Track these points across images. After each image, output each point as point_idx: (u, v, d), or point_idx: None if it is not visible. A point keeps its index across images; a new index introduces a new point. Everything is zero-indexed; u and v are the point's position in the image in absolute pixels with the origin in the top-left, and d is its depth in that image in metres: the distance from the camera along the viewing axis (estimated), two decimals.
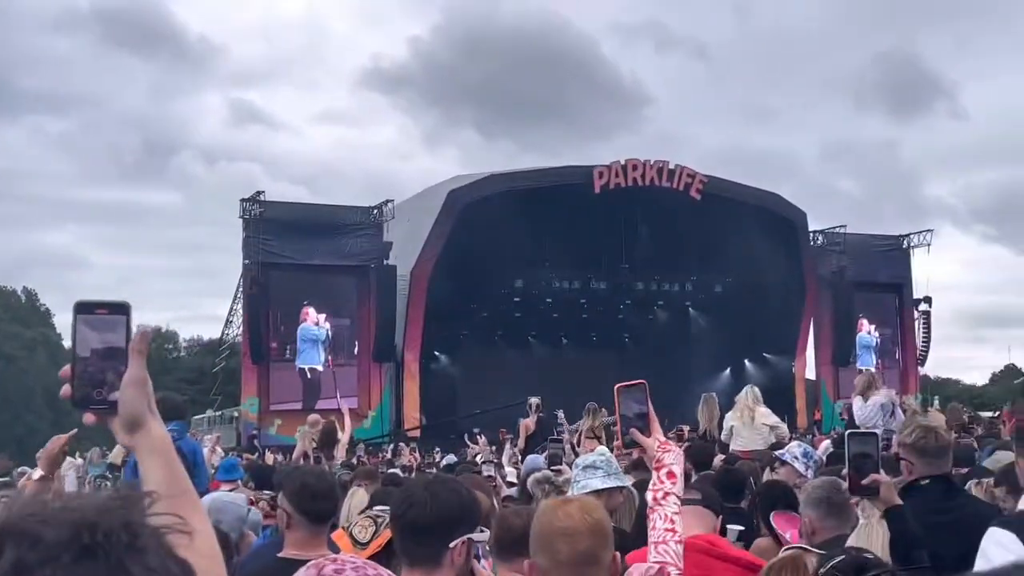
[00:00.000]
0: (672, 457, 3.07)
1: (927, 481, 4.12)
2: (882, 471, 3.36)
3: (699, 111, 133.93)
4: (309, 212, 34.78)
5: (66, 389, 1.68)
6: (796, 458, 5.76)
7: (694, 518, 4.20)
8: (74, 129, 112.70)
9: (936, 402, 25.23)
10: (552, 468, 6.90)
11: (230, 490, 8.59)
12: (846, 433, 3.48)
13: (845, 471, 3.43)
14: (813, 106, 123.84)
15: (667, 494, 2.99)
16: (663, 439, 3.16)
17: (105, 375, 1.66)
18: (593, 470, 4.71)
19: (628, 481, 4.88)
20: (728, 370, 39.82)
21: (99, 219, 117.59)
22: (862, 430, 3.78)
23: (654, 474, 3.05)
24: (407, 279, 33.68)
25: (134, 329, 1.68)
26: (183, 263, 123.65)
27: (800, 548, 2.89)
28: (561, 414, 15.85)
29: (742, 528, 4.86)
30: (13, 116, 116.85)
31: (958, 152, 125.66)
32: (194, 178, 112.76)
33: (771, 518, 4.68)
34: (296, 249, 32.82)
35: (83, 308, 1.69)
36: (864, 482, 3.28)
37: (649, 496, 3.03)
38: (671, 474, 3.01)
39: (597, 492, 4.66)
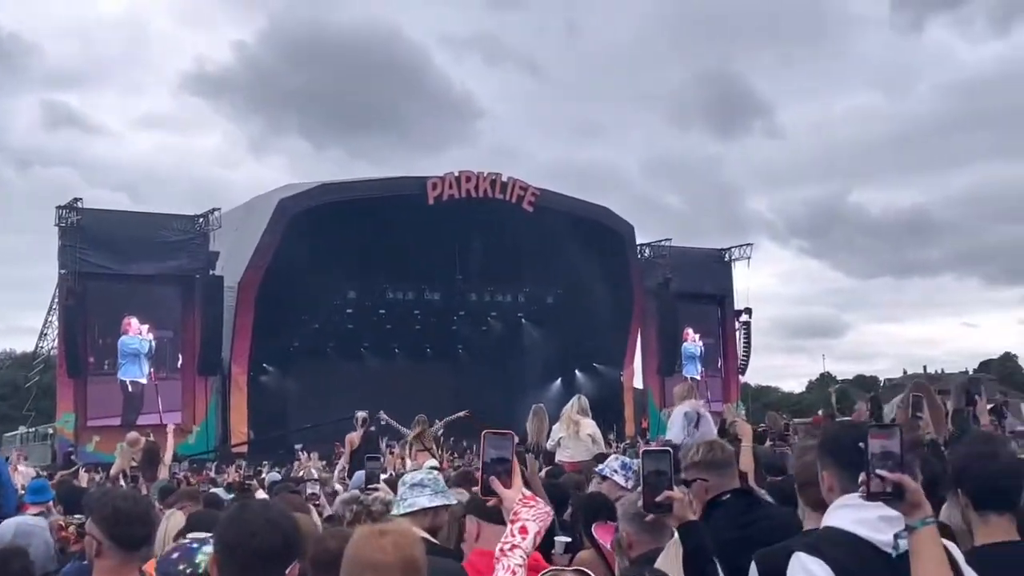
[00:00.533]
0: (530, 513, 2.99)
1: (728, 496, 4.23)
2: (676, 488, 3.40)
3: (530, 125, 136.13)
4: (130, 220, 33.46)
5: None
6: (615, 471, 5.83)
7: None
8: None
9: (742, 411, 26.12)
10: (368, 487, 6.74)
11: (38, 513, 8.12)
12: (641, 452, 3.51)
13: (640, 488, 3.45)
14: (640, 122, 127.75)
15: (514, 547, 2.94)
16: (528, 492, 3.09)
17: None
18: (421, 488, 4.63)
19: (455, 499, 4.82)
20: (559, 380, 40.45)
21: None
22: (655, 448, 3.82)
23: (508, 526, 2.99)
24: (234, 290, 32.83)
25: None
26: None
27: (556, 569, 2.89)
28: (383, 413, 15.63)
29: (569, 540, 4.89)
30: None
31: (775, 169, 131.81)
32: (4, 183, 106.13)
33: (593, 529, 4.71)
34: (116, 259, 31.48)
35: None
36: (658, 499, 3.30)
37: (497, 548, 2.99)
38: (524, 529, 2.95)
39: (424, 510, 4.59)
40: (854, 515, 2.78)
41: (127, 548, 3.77)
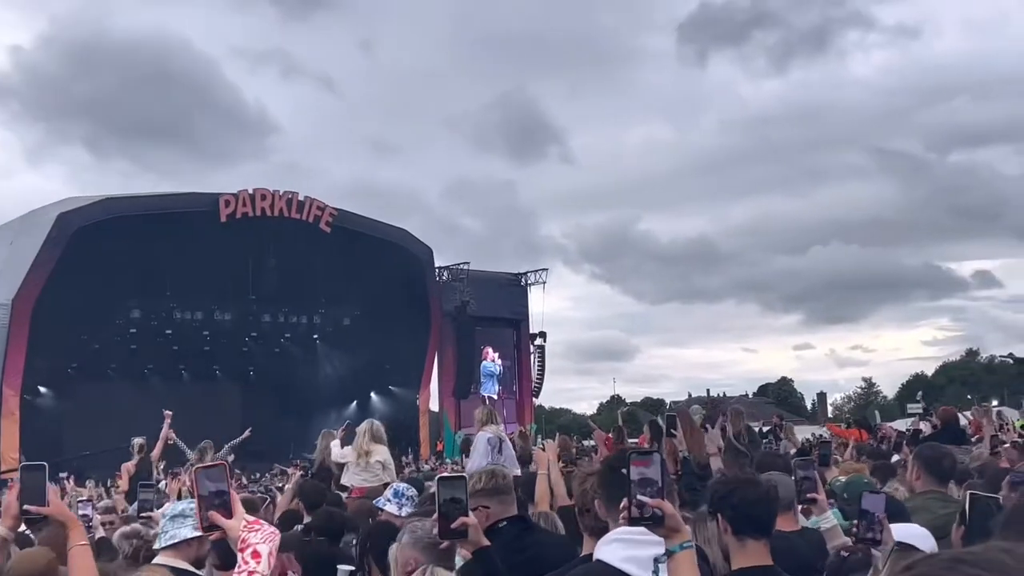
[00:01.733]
0: (258, 536, 2.93)
1: (504, 523, 4.28)
2: (471, 513, 3.41)
3: (326, 143, 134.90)
4: None
5: None
6: (388, 500, 5.78)
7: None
8: None
9: (539, 436, 26.53)
10: (141, 516, 6.46)
11: None
12: (436, 479, 3.51)
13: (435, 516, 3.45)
14: (436, 144, 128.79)
15: (251, 573, 2.86)
16: (250, 518, 3.01)
17: None
18: (182, 519, 4.46)
19: None
20: (355, 403, 40.01)
21: None
22: (451, 475, 3.82)
23: (239, 555, 2.91)
24: (7, 308, 30.89)
25: None
26: None
27: None
28: (172, 433, 14.84)
29: (352, 568, 4.80)
30: None
31: (568, 195, 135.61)
32: None
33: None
34: None
35: None
36: (453, 526, 3.31)
37: None
38: (256, 554, 2.89)
39: (187, 541, 4.41)
40: (626, 552, 2.82)
41: None
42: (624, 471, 2.73)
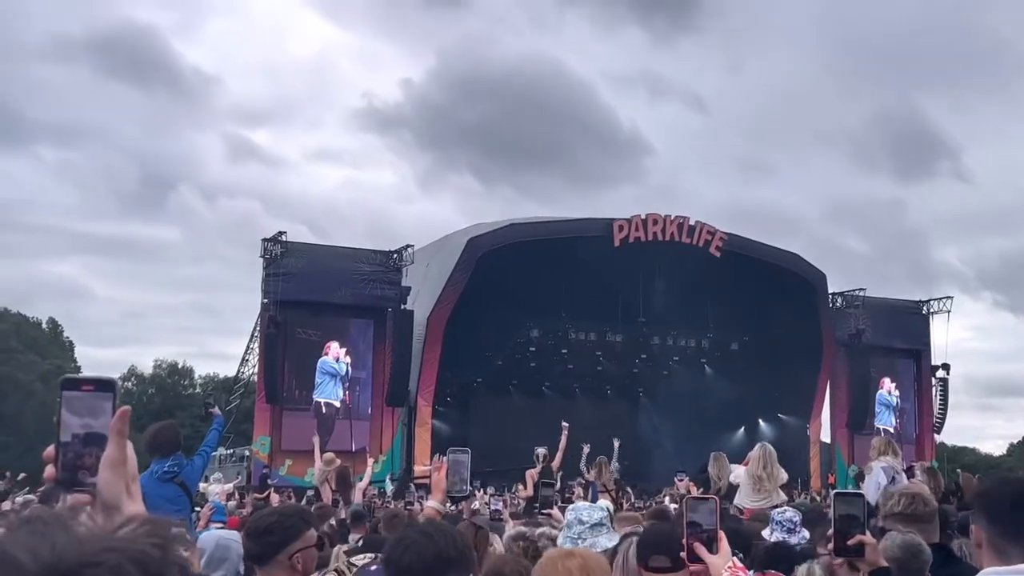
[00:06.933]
0: None
1: None
2: (868, 532, 3.35)
3: (698, 164, 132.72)
4: (329, 254, 34.91)
5: (50, 470, 1.60)
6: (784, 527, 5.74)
7: None
8: (70, 160, 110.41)
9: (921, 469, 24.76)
10: (542, 512, 6.84)
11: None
12: (832, 494, 3.46)
13: (830, 531, 3.42)
14: (813, 163, 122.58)
15: None
16: (738, 564, 3.07)
17: (87, 456, 1.59)
18: (600, 528, 4.67)
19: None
20: (742, 429, 39.52)
21: (99, 251, 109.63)
22: (849, 491, 3.73)
23: None
24: (423, 324, 33.76)
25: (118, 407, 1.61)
26: (184, 299, 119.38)
27: None
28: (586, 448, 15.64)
29: None
30: (11, 145, 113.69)
31: (965, 216, 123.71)
32: (193, 214, 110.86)
33: None
34: (315, 291, 32.96)
35: (69, 384, 1.63)
36: (850, 543, 3.26)
37: None
38: None
39: (604, 551, 4.62)
40: None
41: (251, 558, 3.92)
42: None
